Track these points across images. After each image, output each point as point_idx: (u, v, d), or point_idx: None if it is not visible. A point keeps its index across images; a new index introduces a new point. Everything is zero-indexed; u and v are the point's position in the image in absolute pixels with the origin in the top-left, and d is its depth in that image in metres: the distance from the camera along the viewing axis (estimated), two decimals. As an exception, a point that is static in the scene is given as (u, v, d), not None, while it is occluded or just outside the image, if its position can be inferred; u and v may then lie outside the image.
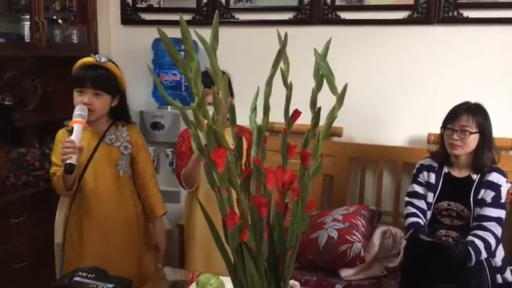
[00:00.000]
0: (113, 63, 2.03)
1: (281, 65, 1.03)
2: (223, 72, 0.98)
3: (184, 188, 2.22)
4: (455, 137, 2.07)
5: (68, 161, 1.76)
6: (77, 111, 1.88)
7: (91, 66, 1.96)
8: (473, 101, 2.15)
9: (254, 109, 1.07)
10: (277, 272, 1.05)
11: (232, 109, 1.02)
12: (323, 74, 0.98)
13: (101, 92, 1.95)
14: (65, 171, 1.78)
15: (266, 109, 1.01)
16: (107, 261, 1.97)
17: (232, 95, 2.21)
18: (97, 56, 1.99)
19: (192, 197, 2.28)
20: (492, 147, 2.13)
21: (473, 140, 2.07)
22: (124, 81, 2.05)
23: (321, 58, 0.99)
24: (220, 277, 1.58)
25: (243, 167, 1.02)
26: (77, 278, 1.43)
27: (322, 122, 1.05)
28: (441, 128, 2.15)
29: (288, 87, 1.04)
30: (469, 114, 2.07)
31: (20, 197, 2.47)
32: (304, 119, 1.10)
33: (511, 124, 2.42)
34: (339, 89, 1.00)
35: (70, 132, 1.88)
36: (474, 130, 2.06)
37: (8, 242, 2.37)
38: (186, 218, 2.34)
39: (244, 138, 1.02)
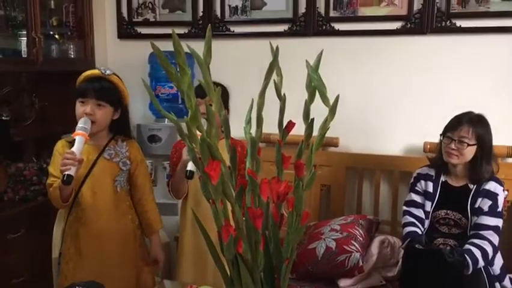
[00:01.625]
0: (118, 77, 2.05)
1: (274, 77, 1.04)
2: (218, 85, 1.00)
3: (173, 197, 2.26)
4: (453, 146, 2.08)
5: (66, 172, 1.76)
6: (80, 124, 1.88)
7: (96, 78, 1.98)
8: (467, 109, 2.16)
9: (249, 121, 1.08)
10: (273, 284, 1.05)
11: (226, 121, 1.03)
12: (315, 85, 0.99)
13: (103, 103, 1.96)
14: (63, 182, 1.77)
15: (259, 121, 1.02)
16: (104, 276, 1.95)
17: (227, 109, 2.23)
18: (102, 68, 2.02)
19: (183, 208, 2.30)
20: (491, 159, 2.13)
21: (470, 151, 2.08)
22: (127, 95, 2.07)
23: (313, 70, 1.01)
24: (217, 289, 1.58)
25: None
26: (74, 292, 1.43)
27: (316, 132, 1.06)
28: (440, 135, 2.16)
29: (282, 99, 1.05)
30: (470, 125, 2.07)
31: (18, 212, 2.47)
32: (300, 130, 1.10)
33: (506, 132, 2.43)
34: (332, 101, 1.01)
35: (70, 143, 1.89)
36: (472, 142, 2.07)
37: (5, 257, 2.36)
38: (180, 229, 2.36)
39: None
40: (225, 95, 2.30)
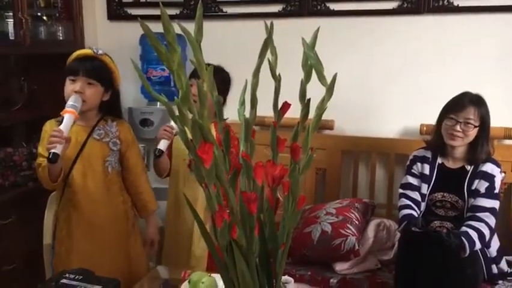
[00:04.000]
0: (110, 58, 2.03)
1: (269, 56, 1.00)
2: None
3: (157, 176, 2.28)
4: (458, 128, 2.04)
5: (52, 150, 1.73)
6: (70, 101, 1.85)
7: (87, 57, 1.96)
8: (465, 90, 2.13)
9: (242, 103, 1.04)
10: (269, 269, 1.02)
11: (218, 103, 0.99)
12: (311, 64, 0.95)
13: (93, 82, 1.93)
14: (49, 161, 1.74)
15: (253, 102, 0.98)
16: (97, 258, 1.96)
17: (225, 98, 2.17)
18: (94, 48, 2.00)
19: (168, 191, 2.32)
20: (489, 140, 2.11)
21: (474, 133, 2.06)
22: (118, 77, 2.04)
23: (310, 48, 0.96)
24: (212, 275, 1.56)
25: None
26: (64, 280, 1.40)
27: (312, 114, 1.02)
28: (441, 116, 2.13)
29: (277, 79, 1.01)
30: (474, 106, 2.05)
31: (8, 198, 2.43)
32: (295, 112, 1.07)
33: (503, 113, 2.41)
34: (329, 80, 0.97)
35: (59, 123, 1.85)
36: (477, 123, 2.05)
37: (-4, 244, 2.34)
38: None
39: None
40: (226, 82, 2.24)
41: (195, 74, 0.87)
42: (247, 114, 1.03)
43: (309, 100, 0.99)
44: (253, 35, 2.46)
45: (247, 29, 2.77)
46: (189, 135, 0.95)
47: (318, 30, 0.99)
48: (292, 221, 1.02)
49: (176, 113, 0.96)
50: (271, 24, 0.96)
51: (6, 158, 2.52)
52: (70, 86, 1.91)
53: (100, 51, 1.98)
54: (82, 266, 1.53)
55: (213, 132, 0.95)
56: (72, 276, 1.42)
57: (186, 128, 0.96)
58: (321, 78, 0.94)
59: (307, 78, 0.98)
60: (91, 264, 1.62)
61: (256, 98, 0.98)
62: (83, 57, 1.96)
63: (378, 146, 2.67)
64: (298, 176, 0.99)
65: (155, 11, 2.88)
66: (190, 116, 0.94)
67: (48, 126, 1.97)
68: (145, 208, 2.16)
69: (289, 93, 1.08)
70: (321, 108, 0.97)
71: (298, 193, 1.00)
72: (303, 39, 0.98)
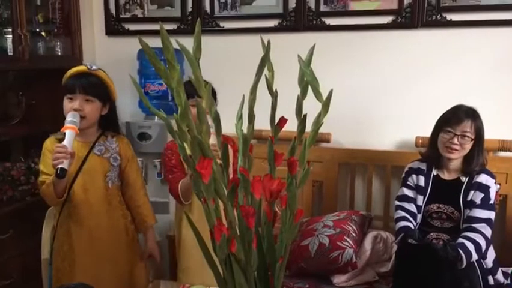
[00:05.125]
0: (104, 72, 2.05)
1: (266, 72, 1.02)
2: (206, 82, 0.97)
3: (181, 202, 2.13)
4: (456, 141, 2.07)
5: (60, 166, 1.74)
6: (69, 118, 1.88)
7: (82, 73, 1.98)
8: (459, 102, 2.16)
9: (240, 117, 1.06)
10: (267, 283, 1.04)
11: (217, 118, 1.01)
12: (307, 80, 0.97)
13: (91, 98, 1.96)
14: (57, 176, 1.76)
15: (251, 117, 1.00)
16: (98, 271, 1.96)
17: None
18: (88, 64, 2.03)
19: (183, 209, 2.19)
20: (483, 152, 2.14)
21: (470, 145, 2.09)
22: (114, 90, 2.07)
23: (306, 65, 0.99)
24: (211, 288, 1.56)
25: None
26: (64, 295, 1.40)
27: (309, 128, 1.04)
28: (436, 129, 2.15)
29: (274, 94, 1.03)
30: (470, 119, 2.07)
31: (6, 213, 2.42)
32: (292, 126, 1.09)
33: (497, 125, 2.43)
34: (324, 96, 0.99)
35: (59, 140, 1.88)
36: (473, 136, 2.07)
37: (-6, 258, 2.33)
38: (179, 230, 2.26)
39: (230, 147, 1.01)
40: (213, 94, 2.24)
41: (187, 90, 0.88)
42: (244, 129, 1.04)
43: (305, 116, 1.01)
44: (250, 49, 2.50)
45: (244, 43, 2.81)
46: (188, 151, 0.97)
47: (314, 47, 1.01)
48: (290, 234, 1.03)
49: (175, 128, 0.98)
50: (269, 42, 0.98)
51: (4, 173, 2.52)
52: (68, 104, 1.94)
53: (94, 67, 2.01)
54: (84, 280, 1.53)
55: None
56: (71, 291, 1.42)
57: (185, 144, 0.97)
58: (317, 94, 0.96)
59: (303, 94, 1.00)
60: (93, 278, 1.63)
61: (254, 114, 1.00)
62: (78, 74, 1.98)
63: (374, 158, 2.68)
64: (295, 190, 1.01)
65: (153, 26, 2.92)
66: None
67: (49, 144, 1.99)
68: (144, 222, 2.17)
69: (285, 107, 1.10)
70: (318, 123, 0.99)
71: (296, 206, 1.02)
72: (299, 56, 1.00)
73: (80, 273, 1.95)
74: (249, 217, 0.92)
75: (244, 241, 0.96)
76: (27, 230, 2.42)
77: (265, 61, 0.97)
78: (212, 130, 0.99)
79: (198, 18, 1.05)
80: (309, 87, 1.01)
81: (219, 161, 0.97)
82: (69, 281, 1.73)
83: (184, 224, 2.22)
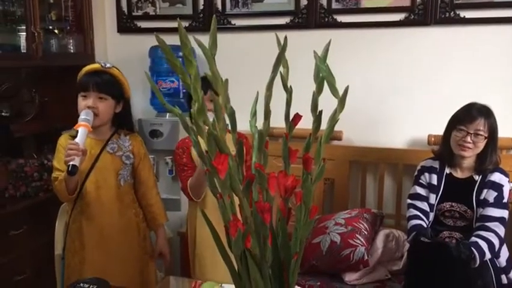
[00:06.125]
0: (118, 69, 2.06)
1: (280, 69, 1.02)
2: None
3: (192, 199, 2.12)
4: (469, 139, 2.05)
5: (71, 163, 1.76)
6: (82, 116, 1.89)
7: (96, 71, 1.99)
8: (472, 100, 2.14)
9: (254, 114, 1.06)
10: (281, 279, 1.04)
11: (232, 115, 1.01)
12: (323, 76, 0.97)
13: (105, 96, 1.96)
14: (68, 173, 1.77)
15: (267, 113, 1.00)
16: (109, 269, 1.97)
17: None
18: (102, 61, 2.04)
19: (197, 206, 2.17)
20: (497, 150, 2.12)
21: (483, 144, 2.07)
22: (128, 88, 2.07)
23: (321, 61, 0.98)
24: (223, 285, 1.56)
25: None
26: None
27: (323, 125, 1.04)
28: (449, 127, 2.13)
29: (288, 91, 1.03)
30: (483, 117, 2.06)
31: (20, 209, 2.45)
32: (304, 123, 1.09)
33: (511, 123, 2.41)
34: (340, 92, 0.99)
35: (73, 137, 1.89)
36: (487, 134, 2.05)
37: (8, 254, 2.35)
38: (192, 228, 2.25)
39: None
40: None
41: (203, 89, 0.88)
42: (259, 125, 1.05)
43: (320, 112, 1.01)
44: (261, 47, 2.50)
45: (255, 41, 2.80)
46: (204, 147, 0.97)
47: (329, 43, 1.01)
48: (305, 230, 1.03)
49: (190, 124, 0.99)
50: (285, 38, 0.98)
51: (18, 169, 2.55)
52: (82, 102, 1.95)
53: (108, 65, 2.02)
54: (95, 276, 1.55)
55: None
56: (86, 285, 1.43)
57: (200, 139, 0.98)
58: (334, 90, 0.96)
59: (319, 90, 1.00)
60: (103, 275, 1.63)
61: (270, 110, 1.00)
62: (92, 72, 1.99)
63: (386, 156, 2.67)
64: (311, 186, 1.01)
65: (165, 24, 2.93)
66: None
67: (63, 140, 2.00)
68: (155, 221, 2.18)
69: (297, 104, 1.10)
70: (333, 120, 0.98)
71: (311, 203, 1.02)
72: (315, 52, 1.00)
73: (90, 270, 1.95)
74: (265, 213, 0.92)
75: (260, 237, 0.96)
76: (40, 226, 2.44)
77: (281, 58, 0.97)
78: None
79: (214, 15, 1.04)
80: (325, 83, 1.00)
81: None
82: (79, 278, 1.73)
83: (198, 221, 2.22)
